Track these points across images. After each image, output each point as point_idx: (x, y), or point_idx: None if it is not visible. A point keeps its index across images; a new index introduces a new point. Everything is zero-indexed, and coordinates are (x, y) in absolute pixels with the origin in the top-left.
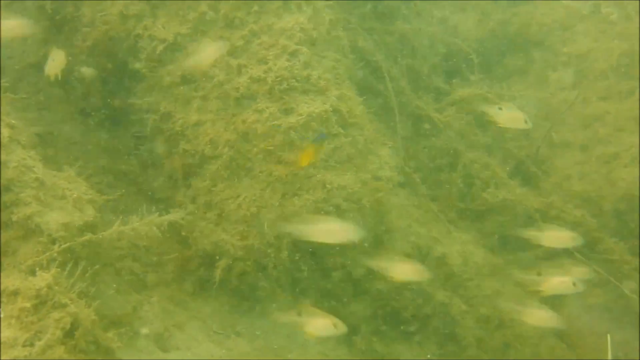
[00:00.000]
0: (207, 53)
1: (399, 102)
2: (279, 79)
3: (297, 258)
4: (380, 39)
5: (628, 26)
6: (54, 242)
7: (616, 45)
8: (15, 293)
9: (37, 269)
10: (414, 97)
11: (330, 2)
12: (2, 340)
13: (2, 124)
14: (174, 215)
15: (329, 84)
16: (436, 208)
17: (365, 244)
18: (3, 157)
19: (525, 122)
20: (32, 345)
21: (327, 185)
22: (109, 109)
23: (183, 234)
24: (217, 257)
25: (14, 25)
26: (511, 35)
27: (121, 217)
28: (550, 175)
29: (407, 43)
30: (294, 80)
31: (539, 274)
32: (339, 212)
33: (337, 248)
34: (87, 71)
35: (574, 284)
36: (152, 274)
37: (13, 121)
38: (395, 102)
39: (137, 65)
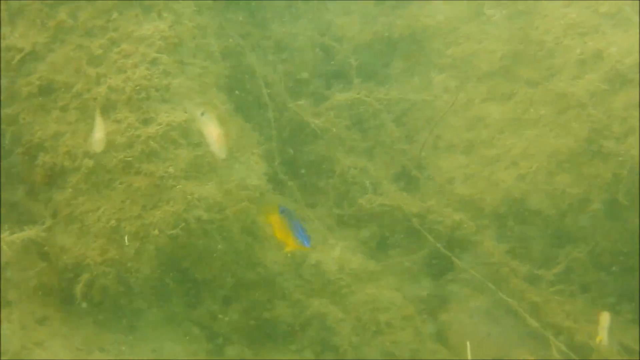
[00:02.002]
0: None
1: (276, 107)
2: (137, 88)
3: (160, 271)
4: (256, 43)
5: (510, 27)
6: None
7: (498, 46)
8: None
9: None
10: (291, 102)
11: (209, 3)
12: None
13: None
14: (28, 233)
15: (191, 93)
16: (313, 215)
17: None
18: None
19: None
20: None
21: (188, 196)
22: None
23: (45, 248)
24: (79, 272)
25: None
26: (396, 38)
27: None
28: (432, 179)
29: (285, 48)
30: (153, 89)
31: None
32: (200, 223)
33: (206, 259)
34: None
35: None
36: (13, 290)
37: None
38: (272, 108)
39: None
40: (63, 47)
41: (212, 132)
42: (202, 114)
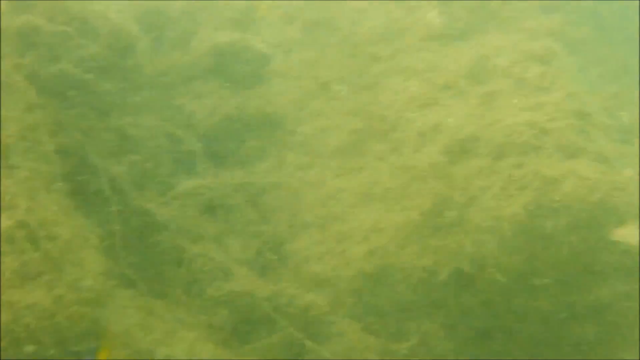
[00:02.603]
0: None
1: (120, 201)
2: None
3: None
4: (98, 136)
5: (356, 102)
6: None
7: (346, 122)
8: None
9: None
10: (136, 194)
11: (42, 100)
12: None
13: None
14: None
15: (17, 198)
16: (162, 307)
17: None
18: None
19: None
20: None
21: (15, 306)
22: None
23: None
24: None
25: None
26: (247, 119)
27: None
28: (287, 259)
29: (129, 138)
30: None
31: None
32: (29, 332)
33: None
34: None
35: None
36: None
37: None
38: (115, 202)
39: None
40: None
41: None
42: None
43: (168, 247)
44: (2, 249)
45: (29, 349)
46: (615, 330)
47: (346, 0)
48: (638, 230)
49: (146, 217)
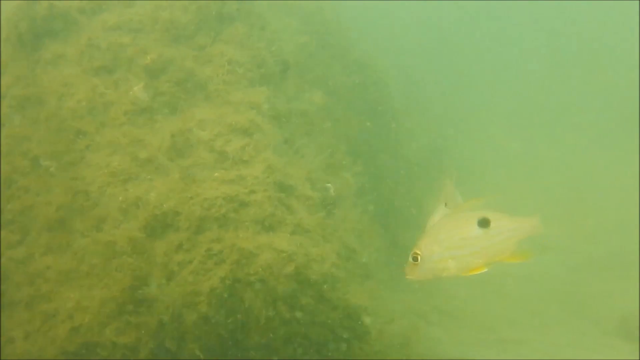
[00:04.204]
0: None
1: None
2: None
3: None
4: None
5: (64, 178)
6: None
7: (54, 199)
8: None
9: None
10: None
11: None
12: None
13: None
14: None
15: None
16: None
17: None
18: None
19: None
20: None
21: None
22: None
23: None
24: None
25: None
26: None
27: None
28: None
29: None
30: None
31: None
32: None
33: None
34: None
35: None
36: None
37: None
38: None
39: None
40: None
41: None
42: None
43: None
44: None
45: None
46: None
47: (54, 74)
48: None
49: None
